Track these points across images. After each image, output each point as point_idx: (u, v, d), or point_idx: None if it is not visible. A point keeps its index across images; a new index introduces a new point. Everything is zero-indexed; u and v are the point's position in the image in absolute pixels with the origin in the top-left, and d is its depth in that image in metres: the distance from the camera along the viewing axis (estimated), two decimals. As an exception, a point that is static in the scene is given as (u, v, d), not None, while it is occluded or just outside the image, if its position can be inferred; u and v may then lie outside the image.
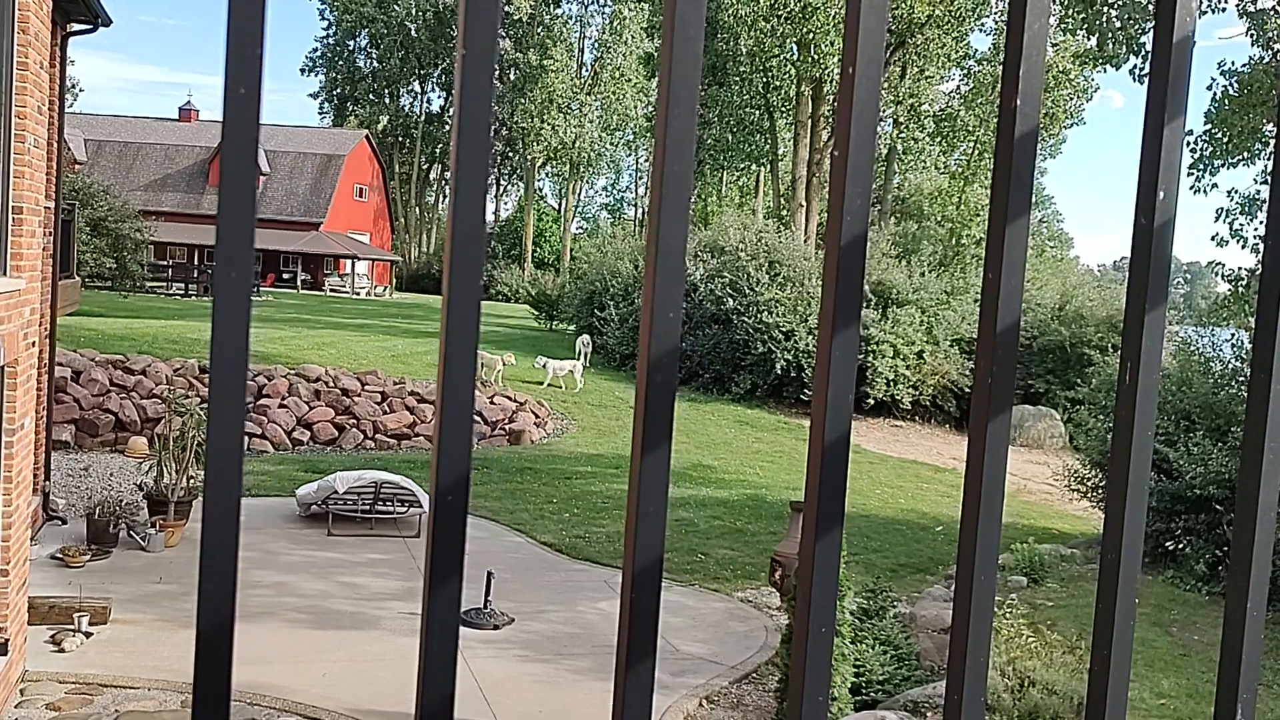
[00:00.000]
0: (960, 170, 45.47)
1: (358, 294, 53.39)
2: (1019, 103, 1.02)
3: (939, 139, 43.98)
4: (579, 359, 28.93)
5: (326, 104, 75.24)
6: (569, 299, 35.87)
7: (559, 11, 64.13)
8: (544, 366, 24.73)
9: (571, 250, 66.95)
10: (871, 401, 25.85)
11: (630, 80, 65.45)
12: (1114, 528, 1.06)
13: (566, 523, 14.45)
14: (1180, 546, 12.27)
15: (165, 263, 45.64)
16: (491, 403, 21.28)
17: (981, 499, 1.03)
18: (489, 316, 42.57)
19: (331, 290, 53.40)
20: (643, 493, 0.95)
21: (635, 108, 67.69)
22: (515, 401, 21.81)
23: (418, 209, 75.95)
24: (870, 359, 25.65)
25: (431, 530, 0.90)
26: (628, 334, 28.84)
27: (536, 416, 21.42)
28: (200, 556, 0.85)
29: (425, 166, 76.18)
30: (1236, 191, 14.06)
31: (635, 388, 1.00)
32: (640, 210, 77.64)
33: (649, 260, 0.95)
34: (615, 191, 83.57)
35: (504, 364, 24.39)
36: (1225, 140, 13.55)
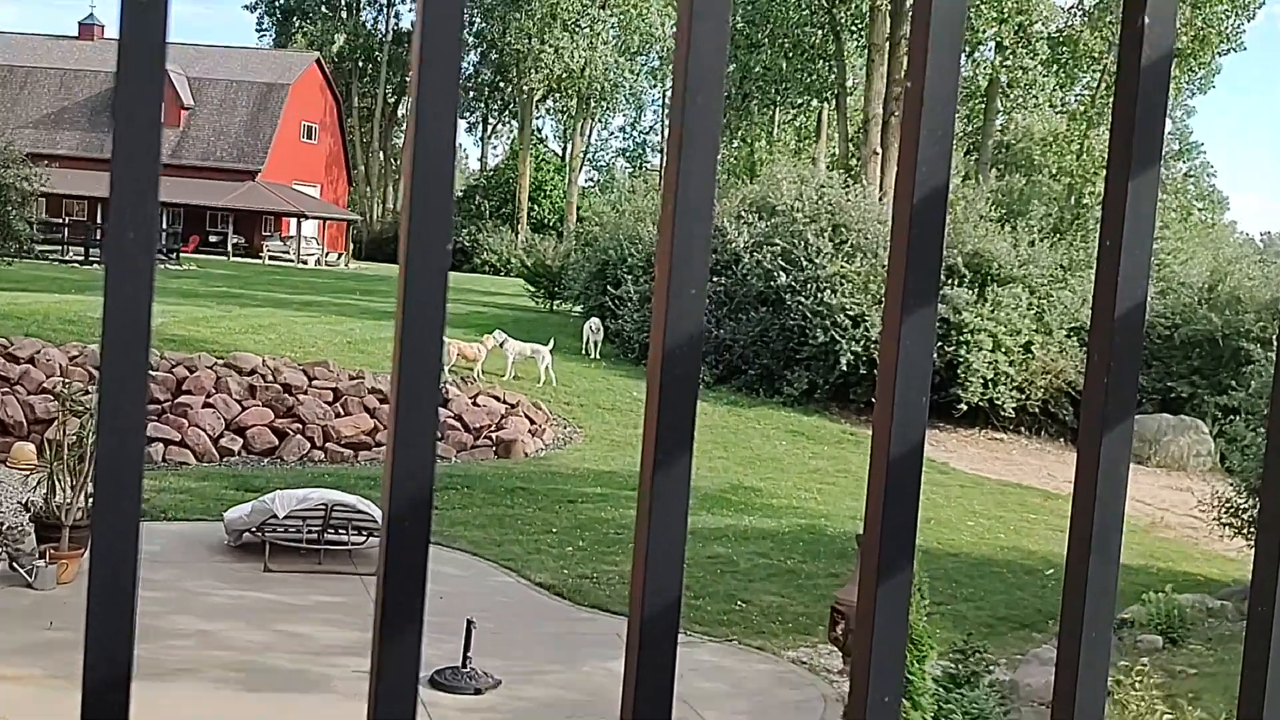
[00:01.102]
0: (1082, 109, 45.19)
1: (305, 263, 53.75)
2: (1146, 19, 1.02)
3: (1055, 69, 43.70)
4: (588, 345, 29.03)
5: (266, 19, 75.62)
6: (575, 272, 35.95)
7: (565, -101, 64.15)
8: (501, 346, 24.76)
9: (579, 209, 67.05)
10: (964, 407, 25.77)
11: (656, -11, 65.54)
12: (1266, 571, 1.05)
13: (569, 559, 14.50)
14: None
15: (60, 221, 46.07)
16: (474, 404, 21.37)
17: (1093, 533, 1.02)
18: (473, 295, 42.73)
19: (271, 258, 53.77)
20: (655, 520, 0.95)
21: (662, 25, 67.64)
22: (504, 403, 21.89)
23: (382, 154, 76.25)
24: (962, 352, 25.54)
25: (383, 566, 0.90)
26: (650, 318, 28.96)
27: (532, 423, 21.49)
28: (89, 595, 0.85)
29: (392, 100, 76.41)
30: None
31: (646, 386, 0.99)
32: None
33: (664, 220, 0.95)
34: (635, 133, 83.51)
35: (490, 349, 24.53)
36: None
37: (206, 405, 19.01)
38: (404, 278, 0.90)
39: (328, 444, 18.96)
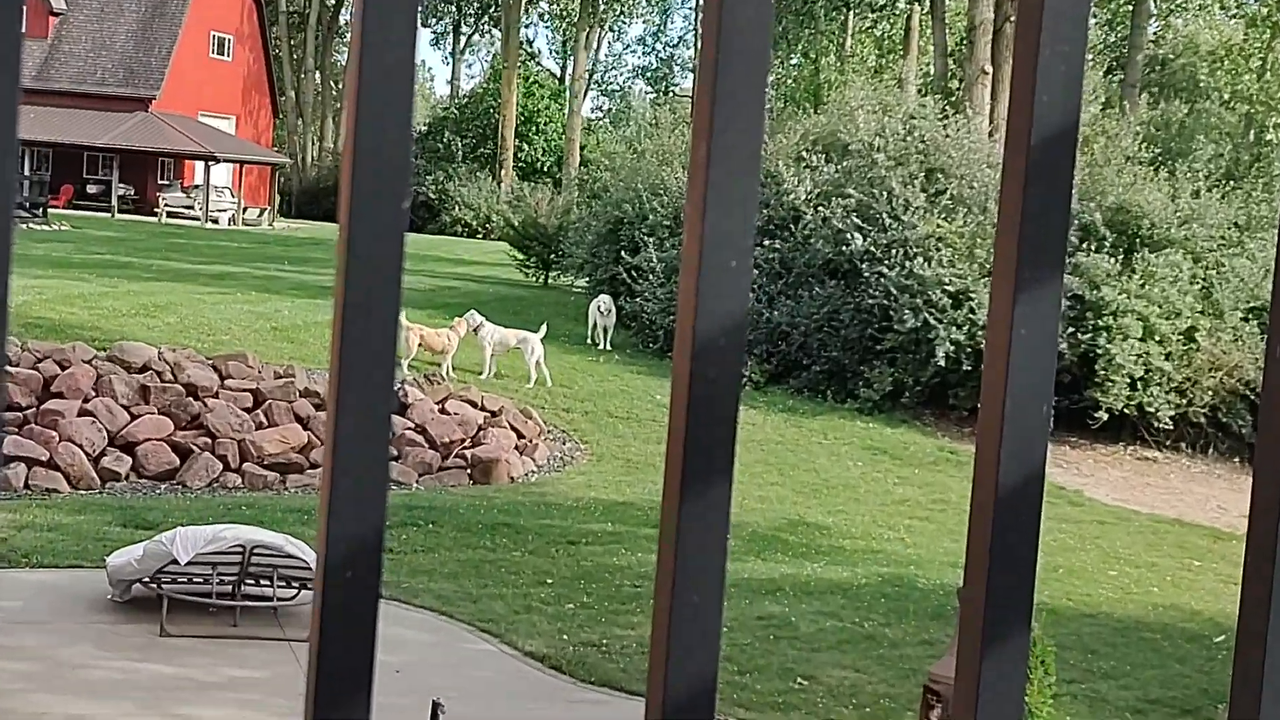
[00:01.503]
0: (1266, 11, 44.93)
1: (215, 221, 54.02)
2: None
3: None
4: (596, 332, 29.08)
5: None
6: (578, 234, 36.05)
7: None
8: (477, 333, 24.98)
9: (583, 149, 67.15)
10: (1103, 416, 25.69)
11: None
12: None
13: (569, 620, 14.52)
14: None
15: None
16: (442, 412, 21.45)
17: (1274, 588, 1.02)
18: (441, 264, 42.86)
19: (170, 215, 54.06)
20: (682, 569, 0.96)
21: (696, -99, 67.63)
22: (483, 410, 21.96)
23: (319, 75, 76.43)
24: (1101, 342, 25.47)
25: (318, 629, 0.91)
26: (677, 296, 29.02)
27: (520, 436, 21.55)
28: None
29: (332, 2, 76.60)
30: None
31: (671, 387, 1.00)
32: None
33: (695, 164, 0.95)
34: (659, 46, 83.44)
35: (462, 337, 24.62)
36: None
37: (84, 413, 19.11)
38: (346, 242, 0.90)
39: (245, 465, 19.05)
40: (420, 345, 24.60)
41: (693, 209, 0.95)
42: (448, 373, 24.09)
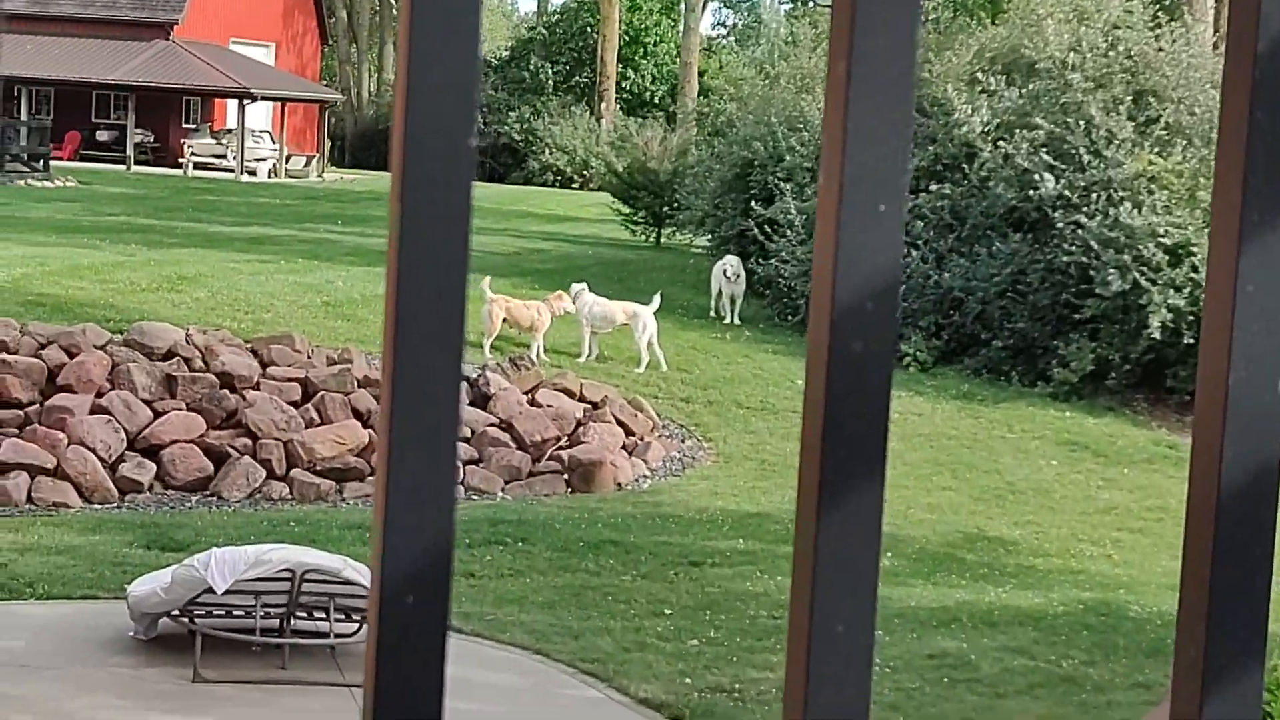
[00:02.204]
0: None
1: (252, 173, 54.45)
2: None
3: None
4: (721, 302, 29.02)
5: None
6: (698, 180, 36.02)
7: None
8: (575, 303, 25.10)
9: (702, 75, 66.98)
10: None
11: None
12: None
13: (692, 659, 14.52)
14: None
15: None
16: (533, 403, 21.53)
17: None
18: (527, 221, 43.04)
19: (199, 167, 54.55)
20: (821, 589, 0.95)
21: None
22: (583, 401, 22.03)
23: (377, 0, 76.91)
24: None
25: (373, 668, 0.92)
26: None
27: (629, 433, 21.58)
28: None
29: (391, -100, 76.91)
30: None
31: (807, 367, 0.99)
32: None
33: (833, 86, 0.95)
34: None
35: (558, 313, 24.68)
36: None
37: (97, 410, 19.33)
38: (399, 193, 0.91)
39: (294, 471, 19.20)
40: (505, 321, 24.72)
41: (830, 142, 0.94)
42: (539, 355, 24.18)
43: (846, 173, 0.95)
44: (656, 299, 25.60)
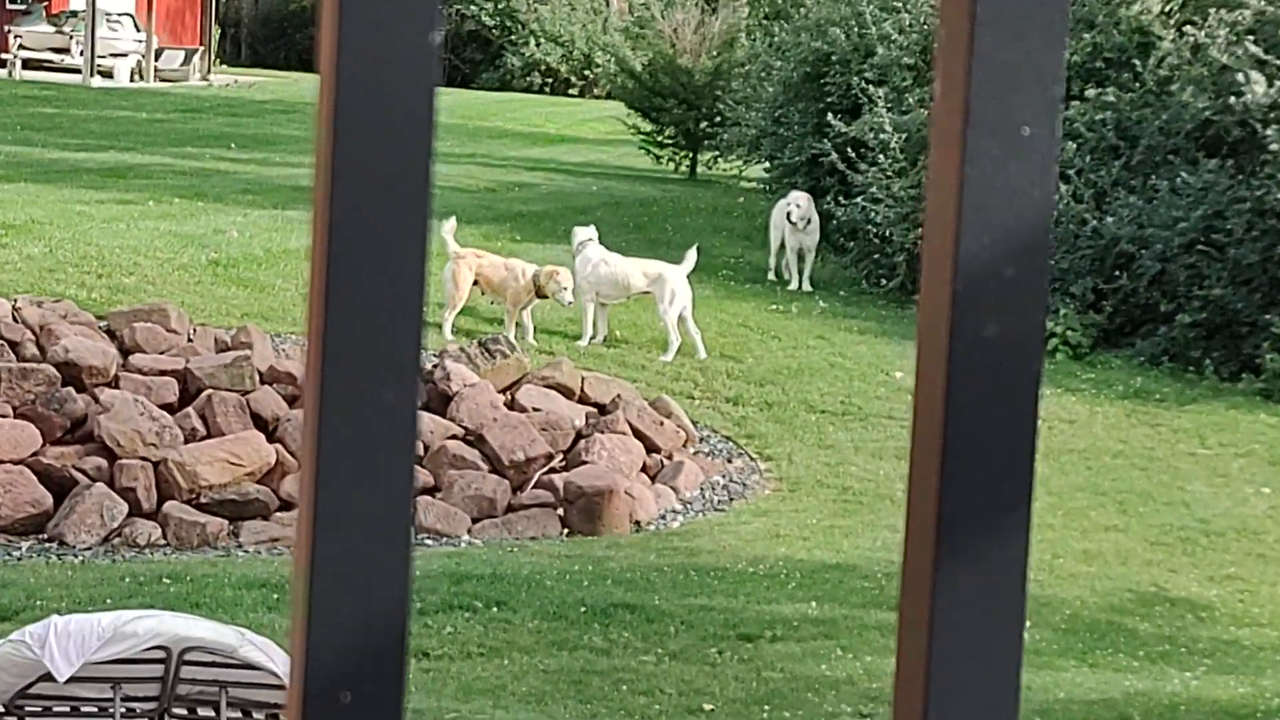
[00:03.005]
0: None
1: (106, 75, 54.35)
2: None
3: None
4: (784, 259, 28.99)
5: None
6: (750, 83, 36.00)
7: None
8: (574, 261, 25.19)
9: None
10: None
11: None
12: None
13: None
14: None
15: None
16: (512, 406, 21.52)
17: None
18: (512, 140, 43.07)
19: (30, 65, 54.54)
20: (936, 673, 0.96)
21: None
22: (584, 402, 22.03)
23: None
24: None
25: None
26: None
27: (651, 447, 21.58)
28: None
29: None
30: None
31: (917, 356, 1.00)
32: None
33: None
34: None
35: (563, 299, 24.68)
36: None
37: (-115, 417, 19.40)
38: (330, 104, 0.91)
39: (169, 505, 19.23)
40: (477, 285, 24.71)
41: (951, 30, 0.94)
42: (521, 337, 24.16)
43: (974, 76, 0.96)
44: (691, 256, 25.58)
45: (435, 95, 0.93)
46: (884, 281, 28.81)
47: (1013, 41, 0.96)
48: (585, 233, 25.33)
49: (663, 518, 20.50)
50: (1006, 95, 0.96)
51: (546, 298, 24.55)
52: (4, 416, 19.56)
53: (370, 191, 0.92)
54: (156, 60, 56.78)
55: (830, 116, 30.92)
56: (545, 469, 20.65)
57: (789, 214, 29.02)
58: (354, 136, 0.92)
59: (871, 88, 30.19)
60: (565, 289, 24.37)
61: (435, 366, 21.35)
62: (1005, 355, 0.97)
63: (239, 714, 13.79)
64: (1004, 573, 0.98)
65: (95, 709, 13.65)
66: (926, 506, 0.98)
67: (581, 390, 22.22)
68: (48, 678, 13.39)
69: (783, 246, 29.05)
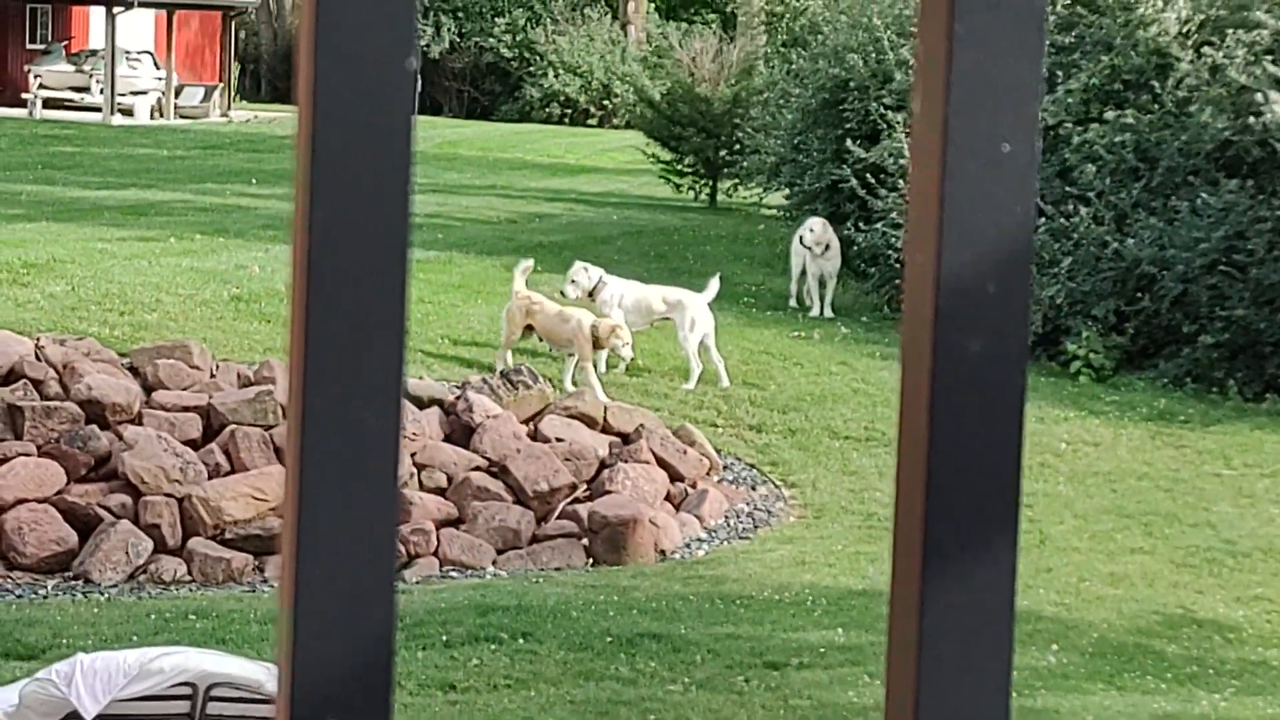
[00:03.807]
0: None
1: (126, 113, 54.38)
2: None
3: None
4: (805, 285, 28.99)
5: None
6: (769, 110, 36.00)
7: None
8: (592, 294, 25.24)
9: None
10: None
11: None
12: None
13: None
14: None
15: None
16: (535, 438, 21.51)
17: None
18: (530, 172, 43.08)
19: (51, 104, 54.54)
20: (927, 697, 0.95)
21: None
22: (607, 432, 22.00)
23: None
24: None
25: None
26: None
27: (675, 476, 21.54)
28: None
29: None
30: None
31: (901, 370, 1.00)
32: None
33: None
34: None
35: (623, 354, 24.61)
36: None
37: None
38: (308, 137, 0.91)
39: (193, 541, 19.20)
40: (531, 330, 24.66)
41: (928, 49, 0.94)
42: (577, 371, 24.10)
43: (953, 94, 0.96)
44: (713, 283, 25.58)
45: (413, 121, 0.93)
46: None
47: (991, 59, 0.96)
48: (589, 273, 25.17)
49: (687, 546, 20.49)
50: (986, 112, 0.96)
51: (607, 349, 24.41)
52: (28, 455, 19.55)
53: (350, 218, 0.92)
54: (176, 97, 56.84)
55: (849, 142, 30.96)
56: (569, 499, 20.64)
57: (802, 238, 28.99)
58: (332, 164, 0.92)
59: (890, 113, 30.21)
60: (626, 344, 24.27)
61: (458, 398, 21.37)
62: (989, 371, 0.97)
63: (266, 750, 13.77)
64: (992, 591, 0.98)
65: (122, 747, 13.62)
66: (913, 525, 0.98)
67: (604, 420, 22.20)
68: (75, 716, 13.39)
69: (804, 273, 29.05)
